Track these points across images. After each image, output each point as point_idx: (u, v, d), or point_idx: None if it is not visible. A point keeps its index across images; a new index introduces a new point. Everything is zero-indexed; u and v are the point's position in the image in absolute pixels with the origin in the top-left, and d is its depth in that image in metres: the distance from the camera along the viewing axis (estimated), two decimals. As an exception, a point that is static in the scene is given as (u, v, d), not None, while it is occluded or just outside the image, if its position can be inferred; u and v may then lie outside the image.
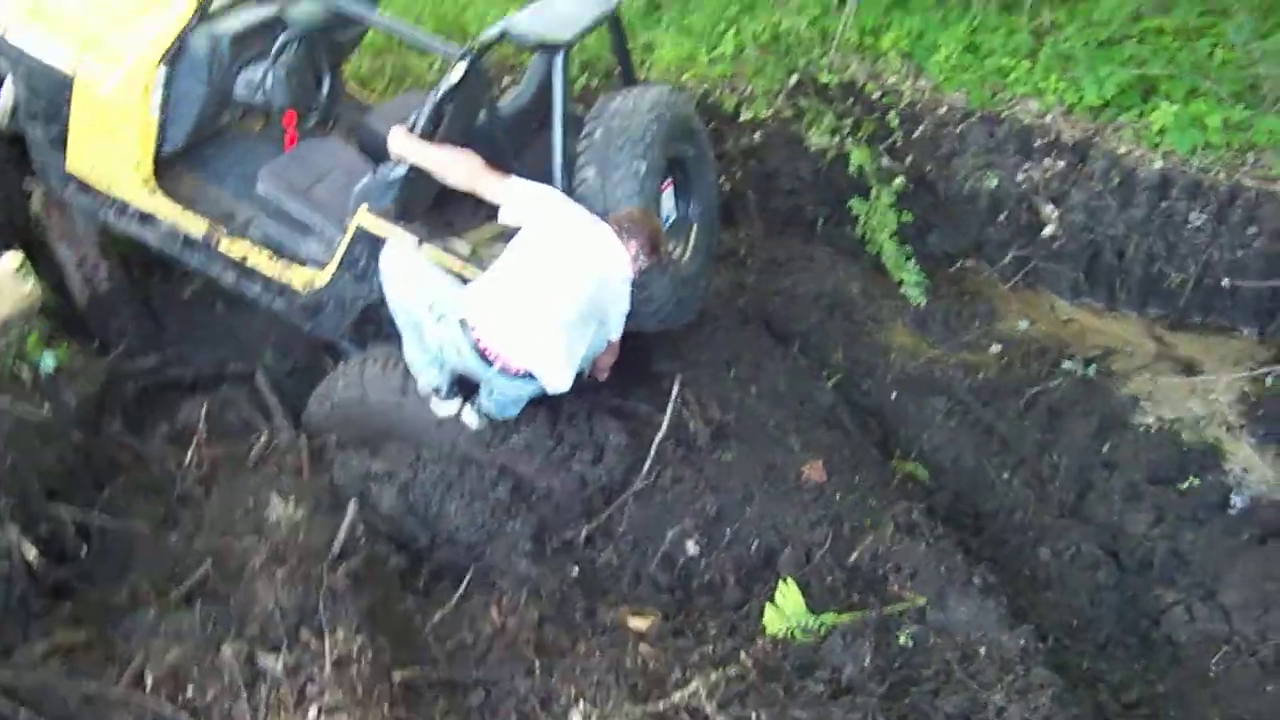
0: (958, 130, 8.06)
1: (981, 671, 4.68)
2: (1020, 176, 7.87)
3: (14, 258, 5.61)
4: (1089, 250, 7.69)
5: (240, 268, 5.91)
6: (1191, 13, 7.89)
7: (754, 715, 4.40)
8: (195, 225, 5.87)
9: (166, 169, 5.93)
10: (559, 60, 5.55)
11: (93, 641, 4.74)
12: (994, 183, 7.90)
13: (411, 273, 5.31)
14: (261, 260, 5.86)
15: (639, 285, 5.44)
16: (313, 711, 4.20)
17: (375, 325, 5.92)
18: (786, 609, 4.95)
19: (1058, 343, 7.41)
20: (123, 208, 5.92)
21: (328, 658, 4.26)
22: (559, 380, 5.17)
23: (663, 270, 5.67)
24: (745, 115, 8.32)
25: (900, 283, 7.66)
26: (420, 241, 5.44)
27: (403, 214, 5.52)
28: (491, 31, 5.53)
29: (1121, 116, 7.72)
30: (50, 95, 5.75)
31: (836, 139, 8.08)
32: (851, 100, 8.29)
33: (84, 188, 5.93)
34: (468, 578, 5.26)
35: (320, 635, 4.38)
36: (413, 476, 5.61)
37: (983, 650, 4.79)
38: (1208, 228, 7.36)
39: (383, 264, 5.39)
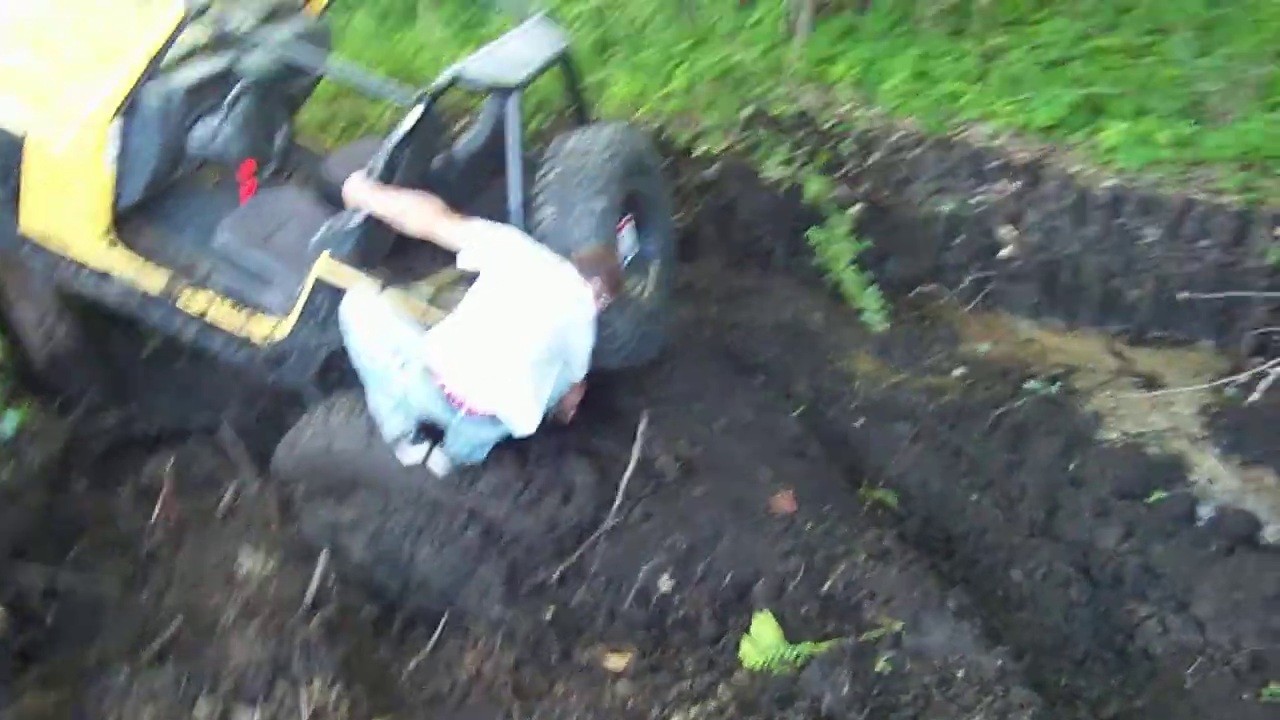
0: (911, 156, 8.12)
1: (961, 694, 4.68)
2: (975, 199, 7.93)
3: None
4: (1046, 270, 7.74)
5: (201, 322, 5.88)
6: (1135, 32, 7.99)
7: (735, 749, 4.41)
8: (154, 280, 5.83)
9: (123, 225, 5.89)
10: (512, 102, 5.57)
11: (64, 704, 4.71)
12: (949, 207, 7.95)
13: (373, 320, 5.29)
14: (222, 313, 5.83)
15: (601, 323, 5.44)
16: (291, 765, 4.19)
17: (339, 373, 5.90)
18: (763, 641, 4.95)
19: (1020, 363, 7.45)
20: (80, 266, 5.87)
21: (304, 710, 4.24)
22: (525, 422, 5.16)
23: (624, 307, 5.68)
24: (700, 149, 8.36)
25: (861, 310, 7.69)
26: (381, 288, 5.43)
27: (362, 261, 5.52)
28: (444, 76, 5.55)
29: (1072, 136, 7.80)
30: (1, 154, 5.71)
31: (791, 169, 8.11)
32: (805, 130, 8.33)
33: (39, 247, 5.88)
34: (441, 624, 5.25)
35: (296, 688, 4.37)
36: (382, 524, 5.59)
37: (961, 673, 4.80)
38: (1162, 242, 7.43)
39: (344, 312, 5.37)
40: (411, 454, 5.54)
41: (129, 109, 5.59)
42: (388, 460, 5.60)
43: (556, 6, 9.14)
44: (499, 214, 5.55)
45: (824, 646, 4.91)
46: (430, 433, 5.53)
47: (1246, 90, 7.41)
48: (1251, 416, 6.63)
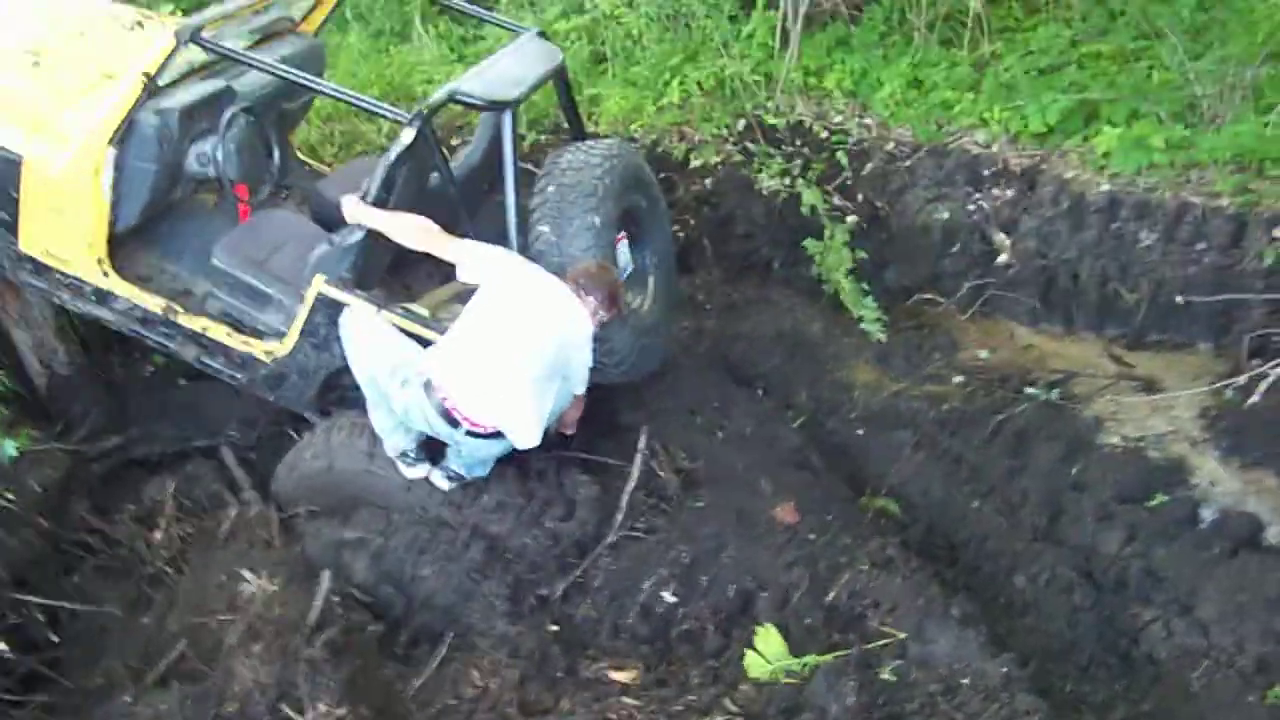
0: (906, 165, 8.13)
1: (966, 702, 4.68)
2: (971, 207, 7.94)
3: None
4: (1044, 276, 7.73)
5: (201, 342, 5.89)
6: (1127, 36, 8.00)
7: (742, 761, 4.41)
8: (152, 302, 5.85)
9: (121, 247, 5.91)
10: (507, 119, 5.58)
11: (69, 730, 4.70)
12: (945, 215, 7.96)
13: (372, 338, 5.31)
14: (221, 334, 5.84)
15: (600, 338, 5.45)
16: (298, 787, 4.19)
17: (339, 393, 5.91)
18: (768, 653, 4.96)
19: (1019, 369, 7.43)
20: (78, 288, 5.88)
21: (310, 731, 4.23)
22: (527, 437, 5.17)
23: (623, 322, 5.69)
24: (695, 162, 8.38)
25: (859, 320, 7.68)
26: (379, 307, 5.44)
27: (360, 280, 5.52)
28: (439, 94, 5.57)
29: (1067, 142, 7.81)
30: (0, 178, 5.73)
31: (787, 181, 8.13)
32: (800, 141, 8.35)
33: (38, 269, 5.89)
34: (446, 641, 5.25)
35: (301, 709, 4.36)
36: (385, 543, 5.60)
37: (966, 681, 4.80)
38: (1158, 246, 7.42)
39: (343, 331, 5.39)
40: (413, 471, 5.55)
41: (125, 132, 5.60)
42: (390, 479, 5.61)
43: (550, 22, 9.16)
44: (496, 230, 5.57)
45: (829, 657, 4.91)
46: (432, 450, 5.54)
47: (1239, 93, 7.42)
48: (1251, 418, 6.60)
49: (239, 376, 5.96)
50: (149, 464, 6.54)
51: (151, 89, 5.61)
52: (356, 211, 5.36)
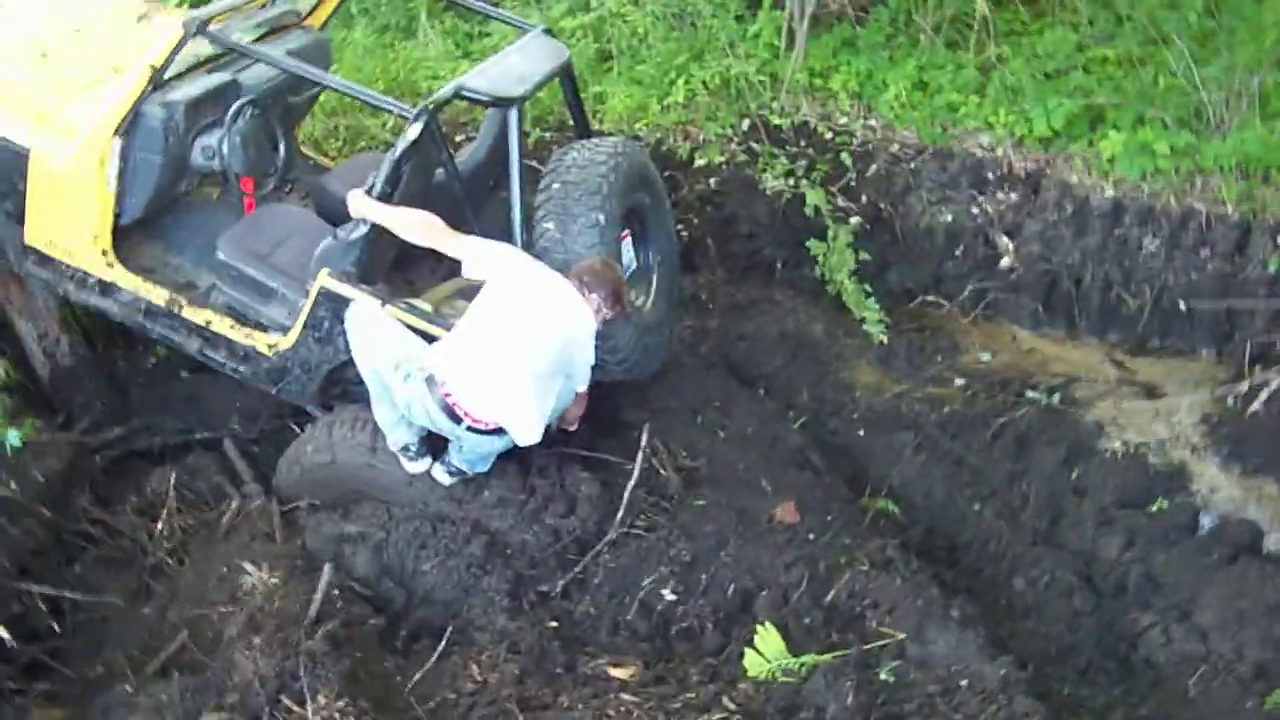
0: (911, 167, 8.14)
1: (965, 704, 4.69)
2: (975, 210, 7.95)
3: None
4: (1046, 280, 7.75)
5: (204, 335, 5.90)
6: (1134, 42, 8.00)
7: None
8: (156, 294, 5.85)
9: (125, 239, 5.92)
10: (513, 115, 5.60)
11: (69, 719, 4.70)
12: (949, 217, 7.97)
13: (377, 332, 5.32)
14: (224, 327, 5.85)
15: (603, 336, 5.46)
16: (297, 778, 4.19)
17: (341, 387, 5.92)
18: (767, 652, 4.96)
19: (1020, 373, 7.44)
20: (83, 279, 5.89)
21: (309, 723, 4.24)
22: (529, 434, 5.18)
23: (626, 320, 5.69)
24: (700, 162, 8.38)
25: (862, 321, 7.68)
26: (383, 302, 5.45)
27: (364, 275, 5.53)
28: (446, 90, 5.59)
29: (1071, 146, 7.82)
30: (5, 169, 5.72)
31: (791, 181, 8.13)
32: (804, 142, 8.36)
33: (43, 260, 5.90)
34: (446, 636, 5.25)
35: (301, 701, 4.36)
36: (386, 537, 5.60)
37: (964, 682, 4.81)
38: (1161, 252, 7.44)
39: (348, 325, 5.39)
40: (415, 466, 5.56)
41: (130, 125, 5.61)
42: (391, 473, 5.62)
43: (556, 19, 9.16)
44: (501, 226, 5.58)
45: (828, 657, 4.92)
46: (434, 444, 5.54)
47: (1245, 100, 7.43)
48: (1252, 426, 6.61)
49: (242, 369, 5.96)
50: (151, 455, 6.55)
51: (157, 81, 5.63)
52: (362, 206, 5.37)
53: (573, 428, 5.85)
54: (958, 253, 8.01)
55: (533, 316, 5.12)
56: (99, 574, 5.64)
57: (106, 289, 5.90)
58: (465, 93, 5.57)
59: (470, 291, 5.37)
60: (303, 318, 5.65)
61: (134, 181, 5.74)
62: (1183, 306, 7.39)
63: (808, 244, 7.97)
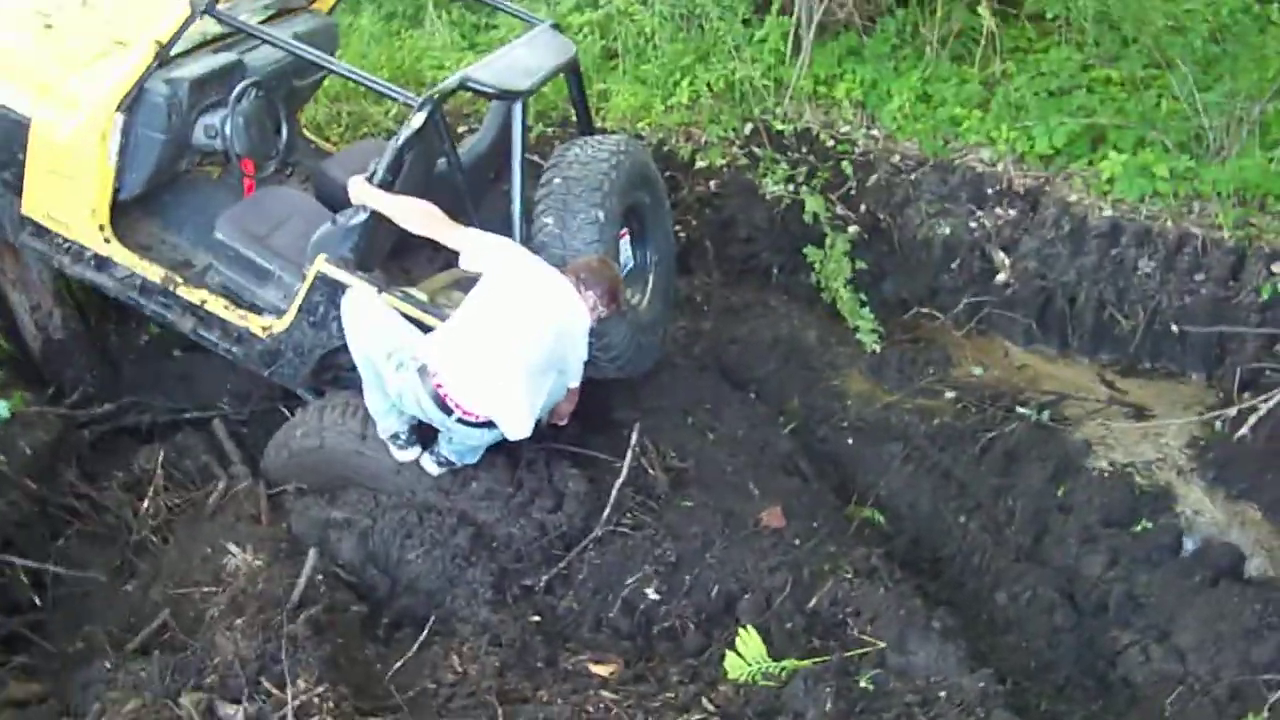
0: (911, 178, 8.15)
1: (943, 715, 4.70)
2: (973, 224, 7.96)
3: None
4: (1041, 297, 7.75)
5: (198, 314, 5.89)
6: (1138, 64, 8.02)
7: (717, 761, 4.41)
8: (152, 271, 5.84)
9: (123, 215, 5.91)
10: (517, 109, 5.60)
11: (48, 694, 4.70)
12: (947, 230, 7.98)
13: (372, 320, 5.31)
14: (219, 307, 5.84)
15: (598, 333, 5.46)
16: (274, 761, 4.18)
17: (333, 372, 5.91)
18: (748, 655, 4.95)
19: (1011, 388, 7.45)
20: (79, 253, 5.88)
21: (289, 707, 4.22)
22: (519, 428, 5.17)
23: (621, 318, 5.70)
24: (701, 163, 8.39)
25: (855, 330, 7.70)
26: (379, 290, 5.44)
27: (361, 262, 5.53)
28: (451, 80, 5.59)
29: (1072, 165, 7.84)
30: (6, 138, 5.70)
31: (791, 187, 8.15)
32: (806, 149, 8.37)
33: (39, 232, 5.89)
34: (428, 625, 5.25)
35: (281, 684, 4.35)
36: (372, 524, 5.61)
37: (943, 693, 4.81)
38: (1156, 274, 7.45)
39: (343, 311, 5.39)
40: (404, 455, 5.56)
41: (134, 100, 5.60)
42: (380, 461, 5.62)
43: (564, 15, 9.17)
44: (500, 219, 5.58)
45: (808, 662, 4.92)
46: (423, 434, 5.54)
47: (1246, 127, 7.45)
48: (1239, 451, 6.63)
49: (234, 351, 5.96)
50: (140, 433, 6.55)
51: (163, 58, 5.62)
52: (362, 192, 5.36)
53: (563, 422, 5.86)
54: (954, 266, 8.02)
55: (528, 311, 5.12)
56: (83, 549, 5.63)
57: (102, 264, 5.89)
58: (471, 84, 5.57)
59: (466, 283, 5.37)
60: (298, 301, 5.64)
61: (135, 157, 5.73)
62: (1175, 329, 7.40)
63: (805, 251, 7.98)
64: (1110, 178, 7.54)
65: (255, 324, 5.82)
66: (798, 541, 5.74)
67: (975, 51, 8.48)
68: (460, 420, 5.19)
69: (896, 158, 8.24)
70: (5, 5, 6.30)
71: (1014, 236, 7.86)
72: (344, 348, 5.51)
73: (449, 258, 5.49)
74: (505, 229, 5.50)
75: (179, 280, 5.86)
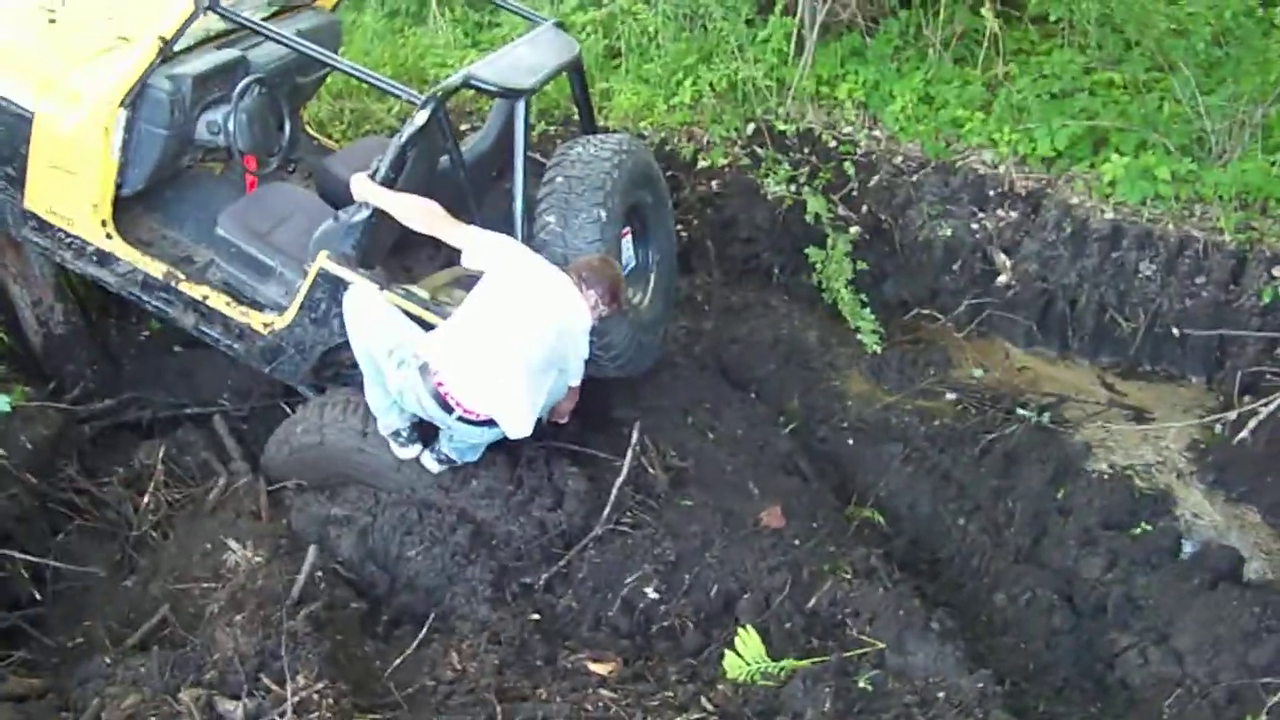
0: (913, 180, 8.17)
1: (941, 715, 4.69)
2: (974, 226, 7.98)
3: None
4: (1042, 299, 7.76)
5: (200, 310, 5.89)
6: (1141, 67, 8.03)
7: (716, 760, 4.42)
8: (154, 267, 5.84)
9: (125, 210, 5.90)
10: (520, 107, 5.60)
11: (47, 689, 4.70)
12: (948, 232, 7.99)
13: (374, 317, 5.31)
14: (220, 303, 5.84)
15: (598, 332, 5.47)
16: (273, 757, 4.18)
17: (334, 369, 5.92)
18: (747, 654, 4.96)
19: (1011, 390, 7.46)
20: (81, 248, 5.87)
21: (289, 703, 4.22)
22: (519, 427, 5.18)
23: (622, 317, 5.70)
24: (703, 163, 8.41)
25: (856, 330, 7.70)
26: (381, 287, 5.44)
27: (363, 259, 5.53)
28: (455, 78, 5.59)
29: (1074, 167, 7.87)
30: (9, 132, 5.70)
31: (793, 187, 8.16)
32: (808, 149, 8.38)
33: (41, 227, 5.88)
34: (428, 623, 5.25)
35: (280, 681, 4.36)
36: (372, 521, 5.61)
37: (941, 694, 4.81)
38: (1157, 278, 7.47)
39: (345, 308, 5.39)
40: (404, 452, 5.56)
41: (137, 95, 5.59)
42: (380, 458, 5.62)
43: (567, 14, 9.18)
44: (502, 217, 5.58)
45: (807, 662, 4.92)
46: (424, 431, 5.55)
47: (1248, 131, 7.47)
48: (1239, 454, 6.64)
49: (235, 347, 5.96)
50: (140, 428, 6.54)
51: (166, 54, 5.62)
52: (365, 190, 5.36)
53: (563, 421, 5.87)
54: (955, 267, 8.04)
55: (529, 310, 5.12)
56: (82, 544, 5.62)
57: (104, 259, 5.89)
58: (474, 82, 5.58)
59: (468, 281, 5.38)
60: (300, 298, 5.65)
61: (137, 153, 5.73)
62: (1176, 332, 7.41)
63: (806, 251, 7.99)
64: (1112, 180, 7.56)
65: (257, 320, 5.82)
66: (797, 541, 5.74)
67: (978, 53, 8.50)
68: (461, 418, 5.19)
69: (898, 159, 8.26)
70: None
71: (1015, 238, 7.88)
72: (345, 345, 5.51)
73: (451, 255, 5.50)
74: (507, 227, 5.51)
75: (181, 276, 5.86)
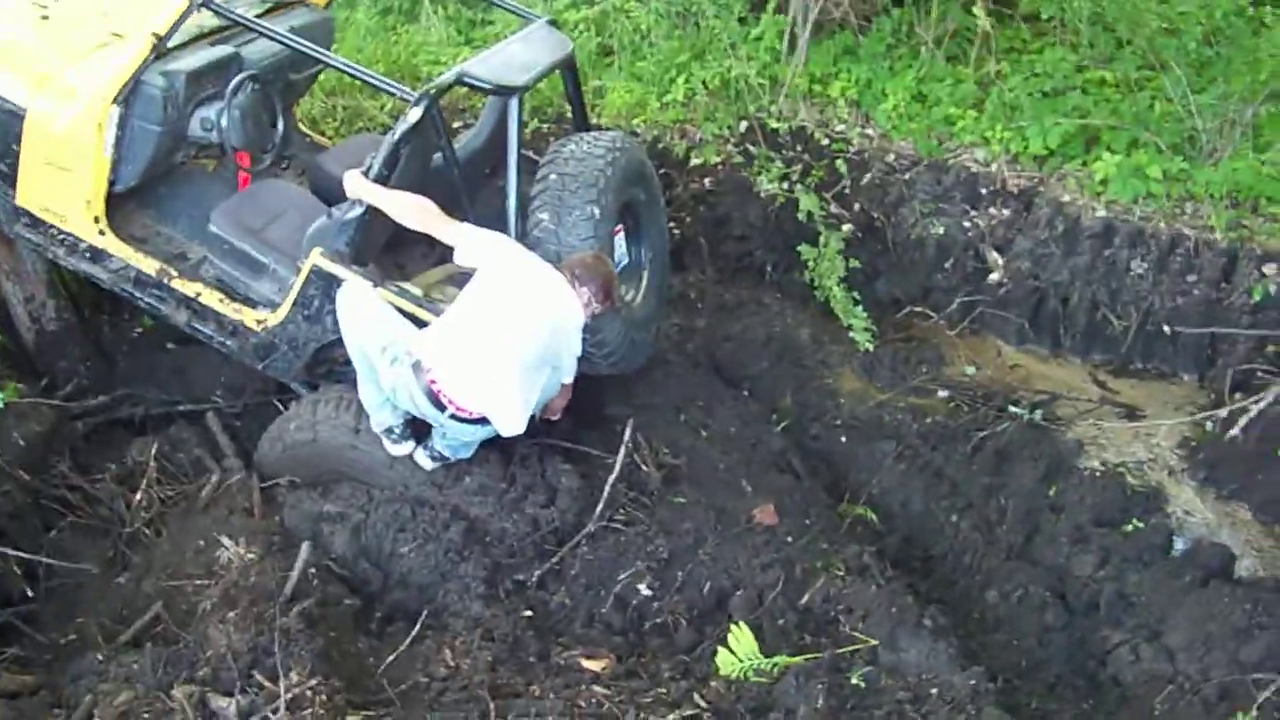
0: (905, 178, 8.18)
1: (933, 712, 4.70)
2: (966, 224, 7.99)
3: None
4: (1034, 297, 7.78)
5: (193, 307, 5.88)
6: (1132, 65, 8.05)
7: (708, 756, 4.42)
8: (147, 264, 5.84)
9: (118, 207, 5.90)
10: (513, 105, 5.60)
11: (40, 686, 4.70)
12: (940, 230, 8.00)
13: (366, 314, 5.31)
14: (213, 300, 5.84)
15: (591, 329, 5.47)
16: (266, 754, 4.18)
17: (327, 366, 5.91)
18: (739, 651, 4.96)
19: (1004, 388, 7.48)
20: (73, 245, 5.86)
21: (281, 700, 4.22)
22: (512, 425, 5.18)
23: (615, 314, 5.70)
24: (695, 161, 8.41)
25: (848, 328, 7.71)
26: (374, 284, 5.44)
27: (357, 256, 5.53)
28: (448, 75, 5.60)
29: (1066, 166, 7.89)
30: (2, 129, 5.68)
31: (785, 185, 8.17)
32: (801, 147, 8.39)
33: (34, 223, 5.86)
34: (421, 619, 5.25)
35: (274, 677, 4.36)
36: (365, 518, 5.62)
37: (934, 691, 4.82)
38: (1149, 275, 7.49)
39: (338, 305, 5.39)
40: (398, 449, 5.56)
41: (130, 92, 5.59)
42: (373, 455, 5.62)
43: (560, 11, 9.18)
44: (496, 215, 5.58)
45: (799, 659, 4.93)
46: (417, 428, 5.55)
47: (1239, 129, 7.49)
48: (1230, 451, 6.67)
49: (229, 344, 5.95)
50: (133, 425, 6.54)
51: (160, 50, 5.61)
52: (358, 187, 5.36)
53: (556, 417, 5.87)
54: (947, 265, 8.05)
55: (522, 307, 5.12)
56: (75, 541, 5.62)
57: (97, 255, 5.88)
58: (467, 79, 5.58)
59: (461, 278, 5.38)
60: (293, 295, 5.64)
61: (130, 149, 5.72)
62: (1167, 330, 7.43)
63: (799, 249, 8.00)
64: (1104, 179, 7.59)
65: (250, 317, 5.81)
66: (790, 539, 5.75)
67: (970, 52, 8.52)
68: (454, 416, 5.19)
69: (891, 157, 8.27)
70: (2, -4, 6.29)
71: (1007, 236, 7.90)
72: (338, 342, 5.52)
73: (444, 253, 5.50)
74: (501, 224, 5.51)
75: (173, 273, 5.85)
